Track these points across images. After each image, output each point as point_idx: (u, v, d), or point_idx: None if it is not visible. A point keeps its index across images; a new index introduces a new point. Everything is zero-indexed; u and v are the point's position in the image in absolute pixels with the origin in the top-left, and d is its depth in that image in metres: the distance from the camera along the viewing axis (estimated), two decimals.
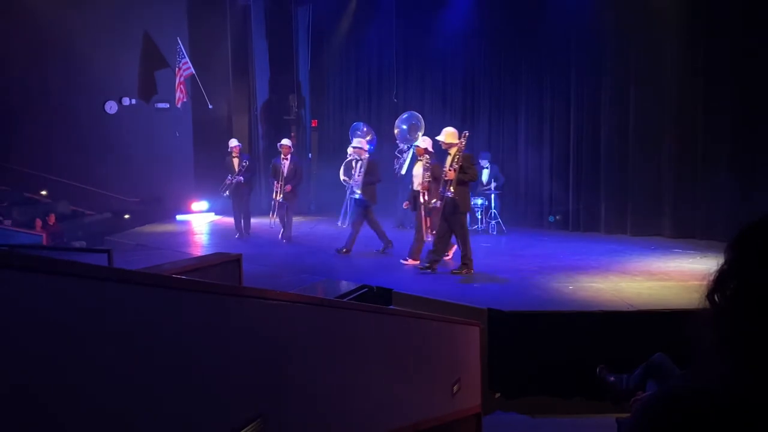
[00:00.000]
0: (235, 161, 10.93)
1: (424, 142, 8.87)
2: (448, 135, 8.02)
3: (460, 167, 7.71)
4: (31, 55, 12.94)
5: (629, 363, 4.52)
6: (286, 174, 10.42)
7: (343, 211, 10.43)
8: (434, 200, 8.16)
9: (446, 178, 7.80)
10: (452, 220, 7.84)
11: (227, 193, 11.03)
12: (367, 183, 9.38)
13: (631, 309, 6.29)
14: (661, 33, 10.33)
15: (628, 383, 4.14)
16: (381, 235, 9.42)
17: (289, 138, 11.51)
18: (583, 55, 11.20)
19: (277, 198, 10.41)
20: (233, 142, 11.22)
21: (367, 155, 9.70)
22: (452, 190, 7.67)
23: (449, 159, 7.87)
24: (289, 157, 10.53)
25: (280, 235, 10.60)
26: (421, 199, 8.59)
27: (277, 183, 10.42)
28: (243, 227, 11.05)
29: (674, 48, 10.21)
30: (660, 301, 6.54)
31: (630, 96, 10.71)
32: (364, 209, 9.41)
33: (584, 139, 11.31)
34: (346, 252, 9.30)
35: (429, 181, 8.45)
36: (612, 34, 10.85)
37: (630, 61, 10.65)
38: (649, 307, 6.29)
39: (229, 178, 10.89)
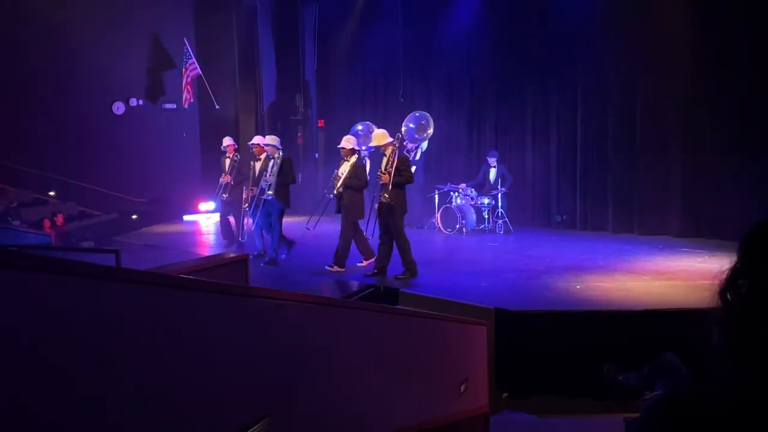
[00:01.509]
0: (228, 161, 10.10)
1: (348, 142, 8.35)
2: (376, 137, 7.83)
3: (396, 169, 7.49)
4: (39, 56, 13.01)
5: (637, 362, 4.50)
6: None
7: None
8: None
9: (381, 182, 7.54)
10: (390, 223, 7.57)
11: (225, 195, 10.02)
12: (281, 183, 8.65)
13: (638, 308, 6.26)
14: (669, 29, 10.27)
15: (637, 383, 4.13)
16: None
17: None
18: (589, 54, 11.16)
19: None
20: (226, 141, 10.29)
21: (280, 153, 8.88)
22: (387, 196, 7.41)
23: (384, 161, 7.65)
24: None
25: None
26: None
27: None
28: (235, 232, 10.10)
29: (683, 44, 10.15)
30: (668, 300, 6.50)
31: (637, 94, 10.67)
32: (279, 212, 8.65)
33: (591, 138, 11.28)
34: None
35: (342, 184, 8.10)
36: (619, 31, 10.80)
37: (637, 59, 10.60)
38: (657, 307, 6.26)
39: (221, 179, 10.03)
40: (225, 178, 9.81)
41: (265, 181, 8.67)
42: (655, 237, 10.28)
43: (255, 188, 8.96)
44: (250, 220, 9.36)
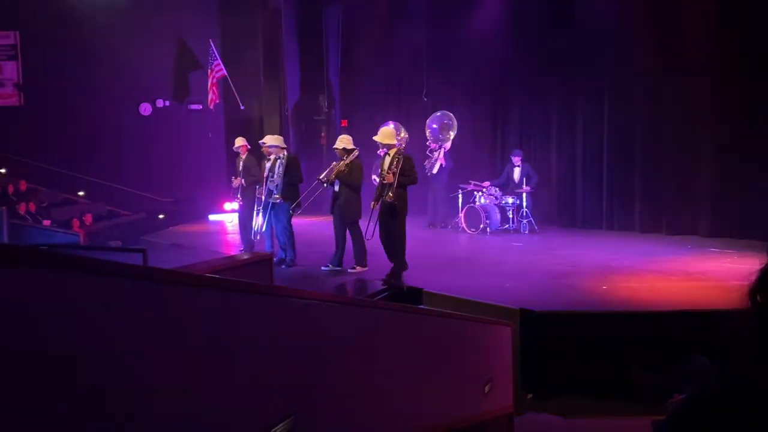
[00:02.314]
0: (241, 163, 9.52)
1: (341, 141, 8.11)
2: (385, 135, 7.66)
3: (400, 170, 7.34)
4: (68, 59, 13.26)
5: (665, 364, 4.44)
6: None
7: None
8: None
9: (385, 182, 7.39)
10: (392, 224, 7.43)
11: (239, 197, 9.51)
12: (288, 183, 8.42)
13: (667, 309, 6.17)
14: (698, 26, 10.11)
15: (665, 385, 4.07)
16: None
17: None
18: (616, 51, 11.02)
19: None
20: (239, 141, 9.67)
21: (285, 152, 8.63)
22: (391, 195, 7.27)
23: (388, 160, 7.51)
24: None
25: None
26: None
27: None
28: (252, 237, 9.42)
29: (712, 42, 9.98)
30: (697, 301, 6.40)
31: (665, 91, 10.51)
32: (287, 213, 8.38)
33: (618, 136, 11.14)
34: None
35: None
36: (646, 28, 10.66)
37: (665, 56, 10.43)
38: (686, 308, 6.16)
39: (233, 181, 9.56)
40: (236, 181, 9.47)
41: (272, 182, 8.49)
42: (683, 237, 10.11)
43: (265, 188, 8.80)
44: (262, 221, 9.08)
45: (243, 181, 9.33)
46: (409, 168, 7.45)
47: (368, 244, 7.95)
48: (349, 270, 7.96)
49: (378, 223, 7.63)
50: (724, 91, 9.85)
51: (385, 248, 7.63)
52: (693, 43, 10.15)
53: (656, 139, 10.66)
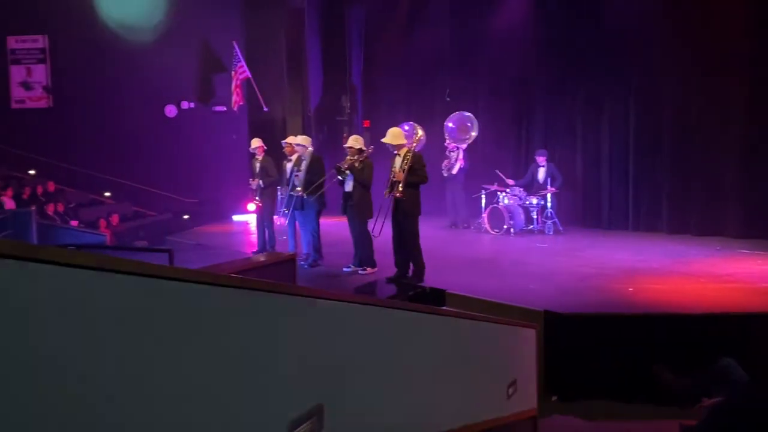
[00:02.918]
0: (258, 164, 9.43)
1: (356, 141, 8.08)
2: (394, 136, 7.61)
3: (410, 168, 7.29)
4: (96, 62, 13.48)
5: (693, 367, 4.37)
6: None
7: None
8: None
9: (395, 179, 7.34)
10: (404, 224, 7.36)
11: (257, 199, 9.43)
12: (310, 182, 8.41)
13: (695, 312, 6.07)
14: (727, 24, 9.93)
15: (693, 388, 4.00)
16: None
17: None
18: (642, 49, 10.87)
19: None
20: (255, 142, 9.54)
21: (310, 151, 8.69)
22: (401, 189, 7.22)
23: (398, 160, 7.46)
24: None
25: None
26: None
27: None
28: (267, 239, 9.39)
29: (742, 39, 9.80)
30: (726, 304, 6.29)
31: (693, 90, 10.34)
32: (316, 212, 8.45)
33: (644, 134, 10.98)
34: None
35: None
36: (673, 26, 10.50)
37: (693, 54, 10.28)
38: (715, 311, 6.05)
39: (251, 183, 9.49)
40: (254, 182, 9.41)
41: (296, 176, 8.58)
42: (712, 238, 9.94)
43: (286, 188, 8.86)
44: (283, 220, 9.11)
45: (261, 182, 9.31)
46: (419, 166, 7.40)
47: (376, 243, 7.94)
48: (360, 272, 7.94)
49: (391, 224, 7.59)
50: (753, 89, 9.67)
51: (395, 250, 7.57)
52: (722, 41, 9.97)
53: (684, 138, 10.48)
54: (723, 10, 9.99)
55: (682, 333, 5.80)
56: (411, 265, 7.53)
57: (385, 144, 7.76)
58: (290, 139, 9.12)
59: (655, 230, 10.76)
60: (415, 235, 7.48)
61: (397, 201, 7.38)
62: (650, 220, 10.93)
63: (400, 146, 7.59)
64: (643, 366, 5.62)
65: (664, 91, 10.70)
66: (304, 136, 9.16)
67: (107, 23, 13.24)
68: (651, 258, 8.67)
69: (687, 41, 10.35)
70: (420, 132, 11.24)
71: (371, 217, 7.97)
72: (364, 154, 7.98)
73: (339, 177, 8.00)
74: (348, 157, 7.99)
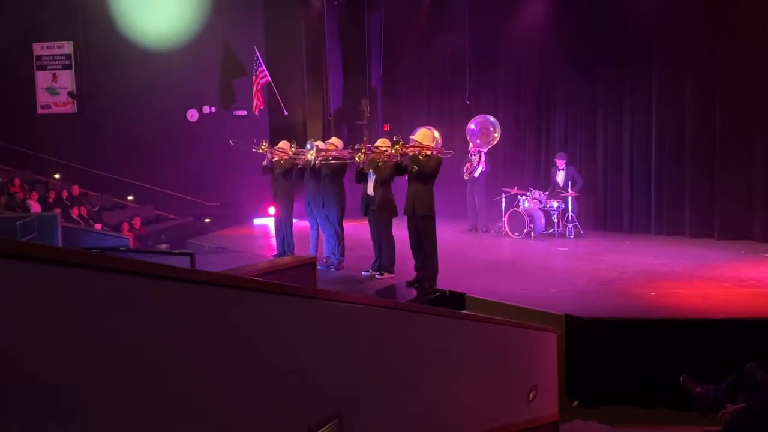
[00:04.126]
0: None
1: (383, 142, 7.98)
2: (424, 136, 7.42)
3: (421, 162, 7.13)
4: (119, 68, 13.69)
5: (717, 373, 4.30)
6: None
7: None
8: None
9: (407, 150, 7.20)
10: (421, 227, 7.20)
11: (275, 202, 9.40)
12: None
13: (718, 317, 5.98)
14: (752, 27, 9.79)
15: (717, 394, 3.94)
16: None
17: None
18: (664, 50, 10.75)
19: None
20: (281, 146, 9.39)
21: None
22: (406, 153, 7.18)
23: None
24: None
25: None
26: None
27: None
28: (286, 244, 9.20)
29: (766, 43, 9.65)
30: (750, 309, 6.19)
31: (717, 91, 10.19)
32: (337, 214, 8.44)
33: (667, 137, 10.85)
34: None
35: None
36: (696, 29, 10.37)
37: (717, 54, 10.13)
38: (739, 316, 5.96)
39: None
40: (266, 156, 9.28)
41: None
42: (736, 242, 9.78)
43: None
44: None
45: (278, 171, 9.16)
46: (435, 166, 7.18)
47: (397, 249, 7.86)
48: (377, 276, 7.86)
49: (407, 228, 7.46)
50: None
51: (413, 254, 7.45)
52: (747, 40, 9.82)
53: (707, 140, 10.33)
54: (747, 12, 9.84)
55: (705, 338, 5.72)
56: (426, 267, 7.45)
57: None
58: (334, 141, 9.11)
59: (677, 234, 10.61)
60: (433, 237, 7.37)
61: (410, 198, 7.23)
62: (673, 224, 10.78)
63: (427, 147, 7.49)
64: (665, 371, 5.55)
65: (687, 92, 10.57)
66: (335, 138, 9.33)
67: (131, 30, 13.45)
68: (673, 262, 8.56)
69: (710, 41, 10.21)
70: (437, 135, 11.19)
71: (396, 215, 7.86)
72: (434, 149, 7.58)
73: (360, 167, 7.84)
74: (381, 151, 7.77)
